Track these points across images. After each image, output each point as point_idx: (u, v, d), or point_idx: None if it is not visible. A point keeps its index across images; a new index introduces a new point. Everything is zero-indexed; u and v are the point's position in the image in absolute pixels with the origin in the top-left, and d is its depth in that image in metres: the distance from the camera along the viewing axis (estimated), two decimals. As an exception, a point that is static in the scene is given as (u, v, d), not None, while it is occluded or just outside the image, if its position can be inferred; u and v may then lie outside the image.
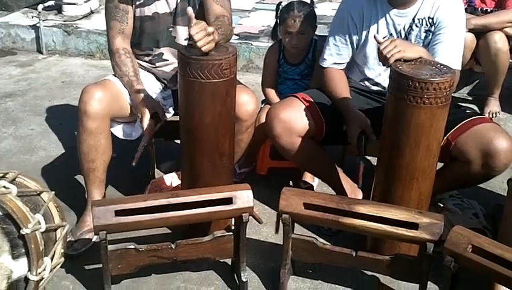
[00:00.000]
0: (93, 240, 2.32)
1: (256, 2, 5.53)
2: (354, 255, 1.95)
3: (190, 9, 1.98)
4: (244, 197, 1.95)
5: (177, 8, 2.47)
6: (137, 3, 2.44)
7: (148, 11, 2.46)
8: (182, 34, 2.48)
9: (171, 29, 2.49)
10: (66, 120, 3.51)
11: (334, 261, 2.00)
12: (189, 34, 1.91)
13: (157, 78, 2.62)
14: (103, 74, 4.22)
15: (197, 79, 1.98)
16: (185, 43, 2.38)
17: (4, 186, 1.59)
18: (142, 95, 2.36)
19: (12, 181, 1.78)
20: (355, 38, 2.40)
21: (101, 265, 1.95)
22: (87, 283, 2.10)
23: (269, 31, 3.27)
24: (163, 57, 2.54)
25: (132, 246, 1.95)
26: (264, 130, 2.46)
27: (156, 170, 2.83)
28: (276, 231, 2.02)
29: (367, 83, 2.48)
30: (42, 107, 3.73)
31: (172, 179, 2.64)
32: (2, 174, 1.85)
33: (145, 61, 2.58)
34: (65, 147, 3.18)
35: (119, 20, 2.46)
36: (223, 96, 2.05)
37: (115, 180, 2.66)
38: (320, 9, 4.91)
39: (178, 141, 3.03)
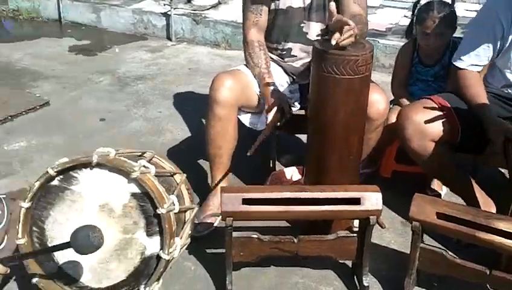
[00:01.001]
0: (215, 224, 2.37)
1: (384, -1, 5.39)
2: (487, 273, 1.82)
3: (333, 5, 1.94)
4: (373, 199, 1.89)
5: (312, 3, 2.44)
6: None
7: (283, 4, 2.45)
8: (314, 29, 2.44)
9: (303, 24, 2.47)
10: (192, 105, 3.62)
11: (464, 276, 1.88)
12: (330, 28, 1.88)
13: (286, 72, 2.61)
14: (228, 63, 4.33)
15: (331, 74, 1.94)
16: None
17: (144, 166, 1.65)
18: (271, 88, 2.36)
19: (149, 161, 1.85)
20: (499, 40, 2.24)
21: (222, 250, 1.98)
22: (208, 266, 2.15)
23: (397, 29, 3.16)
24: (292, 53, 2.52)
25: (255, 236, 1.96)
26: (392, 131, 2.37)
27: (276, 162, 2.83)
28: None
29: (510, 90, 2.31)
30: (170, 92, 3.87)
31: (292, 172, 2.63)
32: (140, 153, 1.93)
33: (274, 54, 2.59)
34: (190, 131, 3.28)
35: (254, 11, 2.48)
36: (356, 93, 2.00)
37: (236, 167, 2.69)
38: (454, 10, 4.67)
39: (300, 136, 3.06)
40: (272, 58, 2.58)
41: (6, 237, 1.69)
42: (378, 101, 2.28)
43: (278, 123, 2.33)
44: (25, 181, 2.84)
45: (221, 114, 2.35)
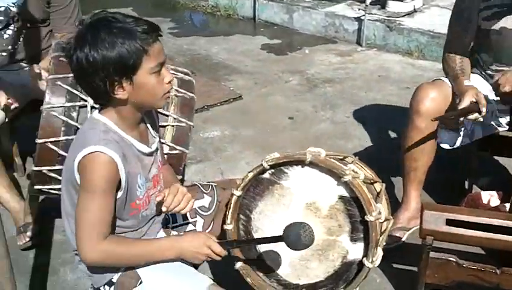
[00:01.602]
0: (403, 239, 2.29)
1: None
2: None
3: None
4: None
5: None
6: (484, 15, 2.28)
7: (496, 25, 2.28)
8: None
9: None
10: (380, 113, 3.56)
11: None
12: None
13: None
14: (419, 74, 4.18)
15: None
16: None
17: (353, 170, 1.63)
18: (466, 83, 2.21)
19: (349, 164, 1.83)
20: None
21: (410, 267, 1.91)
22: (395, 281, 2.08)
23: None
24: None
25: (454, 259, 1.84)
26: None
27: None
28: None
29: None
30: (358, 97, 3.84)
31: (490, 197, 2.43)
32: (341, 157, 1.91)
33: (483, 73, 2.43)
34: (378, 139, 3.22)
35: (460, 26, 2.35)
36: None
37: (428, 183, 2.57)
38: None
39: (501, 158, 2.83)
40: (481, 73, 2.43)
41: (213, 222, 1.78)
42: None
43: (471, 117, 2.13)
44: (217, 168, 3.01)
45: (421, 126, 2.27)
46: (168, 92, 1.45)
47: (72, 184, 1.42)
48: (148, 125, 1.57)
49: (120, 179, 1.40)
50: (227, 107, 3.76)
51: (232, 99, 3.84)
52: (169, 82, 1.43)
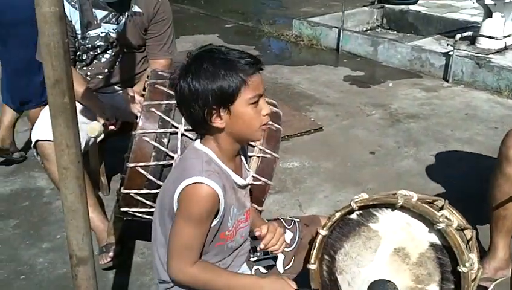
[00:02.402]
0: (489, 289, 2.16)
1: None
2: None
3: None
4: None
5: None
6: None
7: None
8: None
9: None
10: (465, 153, 3.41)
11: None
12: None
13: None
14: (509, 113, 4.01)
15: None
16: None
17: (446, 217, 1.55)
18: None
19: (440, 210, 1.75)
20: None
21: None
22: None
23: None
24: None
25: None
26: None
27: None
28: None
29: None
30: (444, 135, 3.71)
31: None
32: (431, 200, 1.83)
33: None
34: (463, 180, 3.08)
35: None
36: None
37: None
38: None
39: None
40: None
41: (293, 259, 1.75)
42: None
43: None
44: (295, 200, 2.98)
45: (511, 173, 2.15)
46: (266, 124, 1.45)
47: (168, 212, 1.45)
48: (242, 158, 1.58)
49: (218, 209, 1.41)
50: (307, 138, 3.73)
51: (312, 130, 3.81)
52: (267, 114, 1.44)
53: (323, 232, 1.62)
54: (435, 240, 1.53)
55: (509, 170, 2.17)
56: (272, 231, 1.50)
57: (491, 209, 2.28)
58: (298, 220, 1.83)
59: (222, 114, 1.39)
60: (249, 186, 1.61)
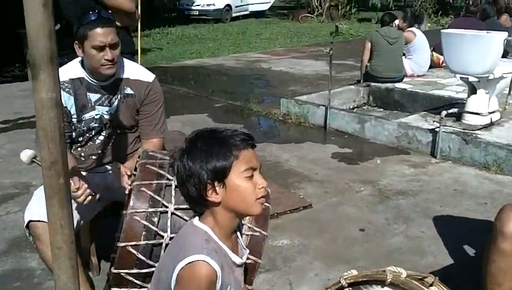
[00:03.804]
0: None
1: None
2: None
3: None
4: None
5: None
6: None
7: None
8: None
9: None
10: (457, 230, 3.43)
11: None
12: None
13: None
14: (497, 189, 4.06)
15: None
16: None
17: (437, 294, 1.56)
18: None
19: (429, 286, 1.75)
20: None
21: None
22: None
23: None
24: None
25: None
26: None
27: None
28: None
29: None
30: (433, 211, 3.73)
31: None
32: (420, 277, 1.84)
33: None
34: (456, 259, 3.08)
35: None
36: None
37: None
38: None
39: None
40: None
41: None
42: None
43: None
44: (285, 278, 2.96)
45: (506, 249, 2.19)
46: (263, 197, 1.48)
47: (164, 289, 1.45)
48: (238, 234, 1.60)
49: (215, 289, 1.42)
50: (297, 215, 3.74)
51: (302, 208, 3.83)
52: (263, 187, 1.47)
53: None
54: (426, 317, 1.53)
55: (505, 246, 2.18)
56: None
57: (484, 285, 2.27)
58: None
59: (217, 188, 1.44)
60: (244, 264, 1.61)
